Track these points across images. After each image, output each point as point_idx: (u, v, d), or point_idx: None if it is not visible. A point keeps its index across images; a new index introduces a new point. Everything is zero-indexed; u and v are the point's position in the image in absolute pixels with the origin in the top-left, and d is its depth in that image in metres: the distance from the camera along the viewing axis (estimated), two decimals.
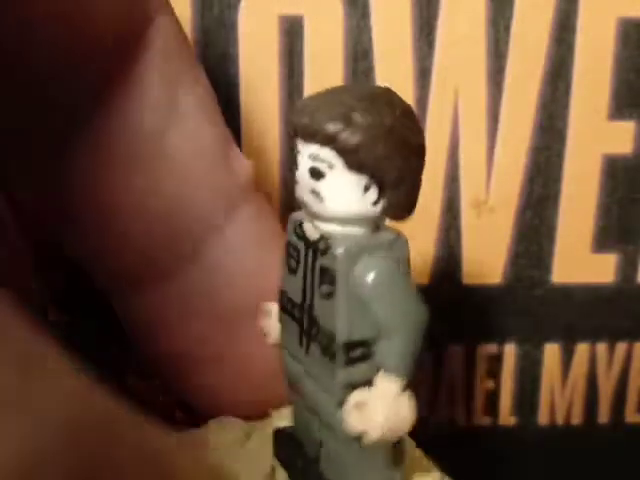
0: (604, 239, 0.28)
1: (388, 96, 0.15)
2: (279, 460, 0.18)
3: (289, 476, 0.17)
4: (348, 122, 0.13)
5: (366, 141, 0.13)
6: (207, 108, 0.18)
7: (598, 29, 0.26)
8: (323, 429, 0.16)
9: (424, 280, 0.27)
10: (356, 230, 0.15)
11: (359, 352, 0.15)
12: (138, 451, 0.09)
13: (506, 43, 0.26)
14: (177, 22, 0.17)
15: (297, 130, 0.14)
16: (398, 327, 0.14)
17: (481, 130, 0.26)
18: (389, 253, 0.14)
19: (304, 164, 0.14)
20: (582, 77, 0.26)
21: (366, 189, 0.14)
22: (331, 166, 0.14)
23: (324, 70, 0.26)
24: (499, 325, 0.28)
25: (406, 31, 0.26)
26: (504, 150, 0.27)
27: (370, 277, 0.14)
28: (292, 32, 0.25)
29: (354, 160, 0.14)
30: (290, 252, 0.16)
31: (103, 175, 0.16)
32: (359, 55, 0.25)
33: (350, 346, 0.14)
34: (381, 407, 0.14)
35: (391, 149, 0.14)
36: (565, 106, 0.26)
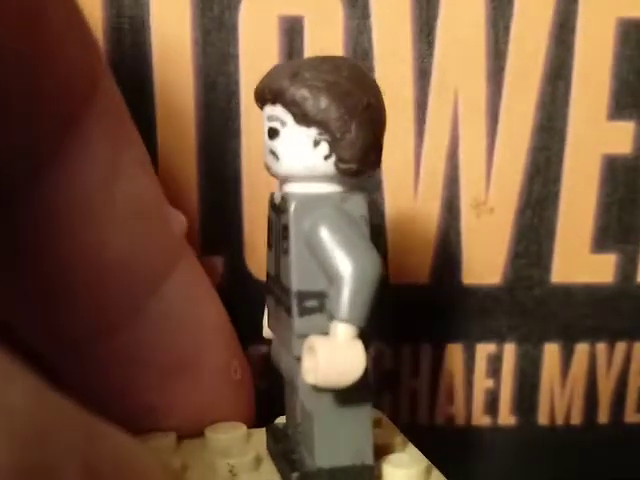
0: (604, 239, 0.28)
1: (337, 61, 0.15)
2: (268, 451, 0.18)
3: (275, 465, 0.17)
4: (293, 79, 0.15)
5: (310, 93, 0.15)
6: (145, 167, 0.19)
7: (598, 29, 0.26)
8: (300, 403, 0.16)
9: (424, 280, 0.27)
10: (313, 187, 0.15)
11: (313, 303, 0.15)
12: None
13: (506, 43, 0.26)
14: (116, 86, 0.18)
15: (257, 96, 0.16)
16: (345, 275, 0.14)
17: (481, 130, 0.26)
18: (341, 206, 0.15)
19: (265, 128, 0.16)
20: (582, 77, 0.26)
21: (316, 143, 0.15)
22: (283, 123, 0.15)
23: None
24: (499, 325, 0.28)
25: (406, 31, 0.26)
26: (504, 150, 0.27)
27: (318, 226, 0.15)
28: (292, 32, 0.25)
29: (301, 113, 0.15)
30: (269, 227, 0.17)
31: (54, 232, 0.17)
32: (359, 55, 0.25)
33: (303, 295, 0.15)
34: (324, 350, 0.14)
35: (333, 100, 0.15)
36: (565, 106, 0.26)
